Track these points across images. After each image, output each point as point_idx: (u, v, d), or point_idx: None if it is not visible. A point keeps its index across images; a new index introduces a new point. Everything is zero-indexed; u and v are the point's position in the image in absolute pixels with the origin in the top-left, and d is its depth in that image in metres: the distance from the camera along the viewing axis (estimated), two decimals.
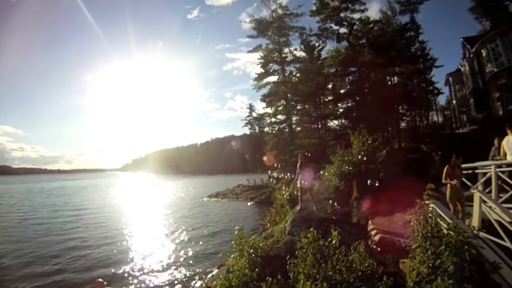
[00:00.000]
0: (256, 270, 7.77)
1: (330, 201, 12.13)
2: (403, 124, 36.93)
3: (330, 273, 6.01)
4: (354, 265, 6.14)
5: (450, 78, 35.70)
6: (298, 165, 11.62)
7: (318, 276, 6.05)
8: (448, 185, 8.18)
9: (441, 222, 6.26)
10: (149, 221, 27.44)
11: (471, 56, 28.45)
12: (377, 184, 12.94)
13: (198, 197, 47.13)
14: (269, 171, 42.57)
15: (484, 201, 6.65)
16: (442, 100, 45.75)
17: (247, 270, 7.71)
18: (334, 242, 6.35)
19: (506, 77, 23.74)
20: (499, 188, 7.86)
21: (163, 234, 21.27)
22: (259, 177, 45.78)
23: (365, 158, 13.16)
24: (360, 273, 6.11)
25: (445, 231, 5.75)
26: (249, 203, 34.45)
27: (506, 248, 5.86)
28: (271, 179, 41.61)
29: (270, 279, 6.69)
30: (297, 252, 6.68)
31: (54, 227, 24.40)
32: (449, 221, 5.96)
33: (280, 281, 6.72)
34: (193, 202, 40.84)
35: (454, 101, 35.91)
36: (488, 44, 25.04)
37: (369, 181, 12.86)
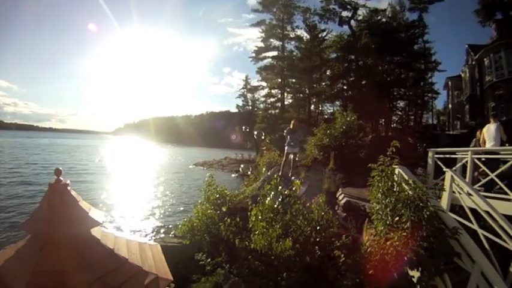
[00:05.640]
0: (218, 212, 7.89)
1: (306, 168, 12.26)
2: (395, 119, 37.20)
3: (286, 219, 6.12)
4: (312, 215, 6.23)
5: (450, 83, 35.30)
6: (287, 129, 11.18)
7: (274, 224, 6.16)
8: None
9: (405, 186, 6.19)
10: (133, 180, 27.65)
11: (473, 63, 28.15)
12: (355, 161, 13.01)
13: (185, 164, 47.70)
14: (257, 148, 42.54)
15: (457, 184, 6.48)
16: (440, 104, 45.94)
17: (209, 211, 7.82)
18: (295, 188, 6.43)
19: (504, 88, 23.57)
20: (476, 179, 7.80)
21: (144, 192, 21.85)
22: (248, 153, 45.98)
23: (345, 131, 13.21)
24: (317, 227, 6.22)
25: (407, 192, 5.70)
26: (233, 175, 34.66)
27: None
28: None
29: (229, 220, 6.82)
30: (258, 199, 6.77)
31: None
32: (411, 181, 5.98)
33: (238, 223, 6.85)
34: (180, 168, 41.45)
35: (450, 106, 35.68)
36: (492, 53, 24.80)
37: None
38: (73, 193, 2.77)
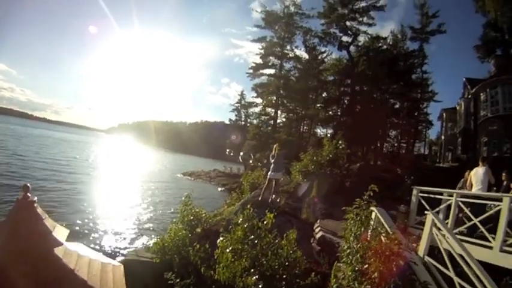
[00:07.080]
0: (190, 235, 7.78)
1: (287, 194, 12.15)
2: (387, 145, 37.42)
3: (254, 252, 5.98)
4: (281, 250, 6.12)
5: (444, 114, 35.60)
6: (271, 154, 11.04)
7: (243, 254, 6.02)
8: None
9: (380, 230, 5.99)
10: (117, 186, 26.98)
11: (469, 96, 28.31)
12: (339, 190, 12.92)
13: (173, 172, 47.22)
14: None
15: (438, 228, 6.43)
16: (433, 134, 46.27)
17: (182, 233, 7.71)
18: (266, 223, 6.30)
19: (498, 124, 23.75)
20: (460, 221, 7.75)
21: (125, 199, 21.32)
22: (237, 167, 45.83)
23: (332, 159, 13.18)
24: (286, 263, 6.09)
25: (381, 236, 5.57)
26: (219, 188, 34.40)
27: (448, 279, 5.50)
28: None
29: (198, 245, 6.69)
30: (230, 227, 6.65)
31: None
32: (388, 228, 5.88)
33: (208, 250, 6.73)
34: (167, 176, 40.86)
35: (443, 137, 35.98)
36: (488, 88, 24.95)
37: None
38: (39, 210, 2.84)
